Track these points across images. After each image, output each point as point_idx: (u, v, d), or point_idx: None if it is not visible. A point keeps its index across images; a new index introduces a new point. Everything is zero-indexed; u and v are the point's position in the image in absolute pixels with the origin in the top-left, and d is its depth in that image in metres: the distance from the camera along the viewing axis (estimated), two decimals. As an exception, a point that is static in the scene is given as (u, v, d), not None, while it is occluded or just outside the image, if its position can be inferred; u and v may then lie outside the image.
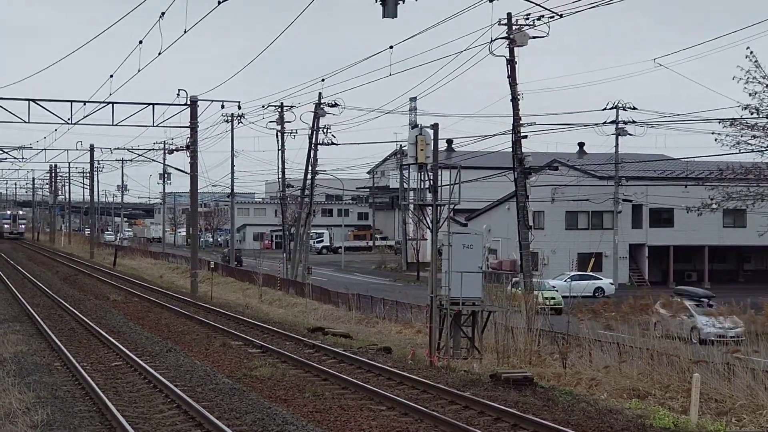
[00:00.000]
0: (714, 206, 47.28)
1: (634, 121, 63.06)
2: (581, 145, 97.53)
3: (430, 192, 26.75)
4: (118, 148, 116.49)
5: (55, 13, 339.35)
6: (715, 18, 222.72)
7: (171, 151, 72.11)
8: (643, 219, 73.29)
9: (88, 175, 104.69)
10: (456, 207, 28.42)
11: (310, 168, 64.35)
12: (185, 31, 26.99)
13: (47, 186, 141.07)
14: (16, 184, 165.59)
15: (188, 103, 51.66)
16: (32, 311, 36.09)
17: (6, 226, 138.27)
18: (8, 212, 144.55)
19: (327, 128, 63.13)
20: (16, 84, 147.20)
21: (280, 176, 70.87)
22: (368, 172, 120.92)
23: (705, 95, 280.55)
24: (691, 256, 75.20)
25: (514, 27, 41.81)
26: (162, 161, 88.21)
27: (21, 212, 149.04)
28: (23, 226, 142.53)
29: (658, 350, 24.02)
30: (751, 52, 38.01)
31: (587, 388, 21.99)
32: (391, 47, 31.80)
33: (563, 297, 46.59)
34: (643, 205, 72.31)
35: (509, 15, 41.96)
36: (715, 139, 43.76)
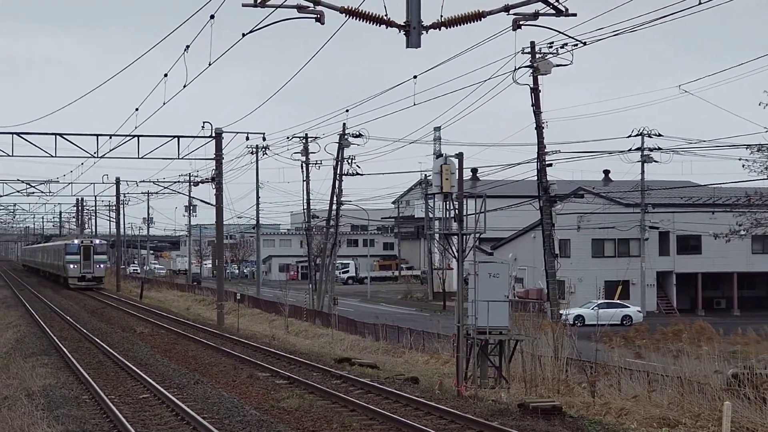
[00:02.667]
0: (742, 232, 47.12)
1: (659, 148, 62.91)
2: (606, 172, 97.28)
3: (455, 221, 26.69)
4: (143, 181, 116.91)
5: (80, 47, 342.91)
6: (740, 44, 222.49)
7: (196, 184, 72.56)
8: (671, 246, 72.85)
9: (114, 208, 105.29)
10: (482, 236, 28.35)
11: (335, 198, 64.44)
12: (210, 64, 27.16)
13: (74, 219, 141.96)
14: (43, 218, 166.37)
15: (213, 135, 51.98)
16: (60, 344, 36.21)
17: (72, 266, 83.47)
18: (75, 241, 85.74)
19: (351, 159, 63.26)
20: (43, 119, 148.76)
21: (305, 207, 70.99)
22: (393, 202, 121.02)
23: (731, 121, 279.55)
24: (720, 283, 74.61)
25: (537, 55, 41.89)
26: (187, 193, 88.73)
27: (98, 241, 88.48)
28: (103, 266, 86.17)
29: (689, 378, 23.78)
30: (776, 78, 37.83)
31: (617, 418, 21.77)
32: (414, 77, 31.74)
33: (590, 326, 46.19)
34: (670, 232, 71.92)
35: (533, 44, 42.07)
36: (743, 165, 43.72)
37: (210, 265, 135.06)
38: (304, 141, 67.17)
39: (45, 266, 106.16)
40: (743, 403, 21.22)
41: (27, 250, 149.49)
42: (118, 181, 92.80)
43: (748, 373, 22.33)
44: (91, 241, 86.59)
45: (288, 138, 67.12)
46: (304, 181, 69.00)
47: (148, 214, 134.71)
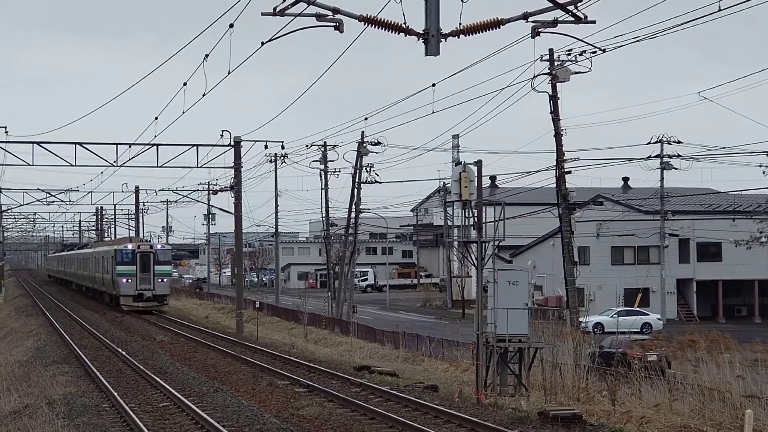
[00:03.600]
0: (763, 239, 46.91)
1: (679, 155, 62.73)
2: (626, 179, 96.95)
3: (474, 229, 26.65)
4: (162, 190, 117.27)
5: (101, 57, 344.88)
6: (762, 51, 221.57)
7: (215, 192, 72.67)
8: (691, 253, 72.57)
9: (133, 216, 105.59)
10: (501, 244, 28.31)
11: (353, 206, 64.50)
12: (229, 72, 27.23)
13: (93, 228, 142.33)
14: (63, 227, 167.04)
15: (232, 143, 52.08)
16: (80, 353, 36.34)
17: (125, 281, 62.14)
18: (130, 246, 64.02)
19: (370, 166, 63.30)
20: (63, 128, 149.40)
21: (323, 215, 71.10)
22: (412, 210, 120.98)
23: (752, 128, 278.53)
24: (741, 290, 74.25)
25: (556, 63, 41.84)
26: (206, 202, 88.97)
27: (161, 246, 67.95)
28: (167, 280, 64.32)
29: (710, 386, 23.68)
30: (798, 84, 37.67)
31: (638, 426, 21.68)
32: (433, 85, 31.78)
33: (610, 333, 46.03)
34: (690, 239, 71.64)
35: (551, 51, 42.03)
36: (764, 172, 43.50)
37: (229, 273, 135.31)
38: (322, 149, 67.26)
39: (81, 279, 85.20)
40: (765, 411, 21.12)
41: (54, 258, 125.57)
42: (137, 190, 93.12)
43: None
44: (151, 246, 65.13)
45: (307, 146, 67.19)
46: (322, 189, 69.10)
47: (167, 222, 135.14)
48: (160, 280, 62.59)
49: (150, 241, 73.30)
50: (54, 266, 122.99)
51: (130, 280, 61.95)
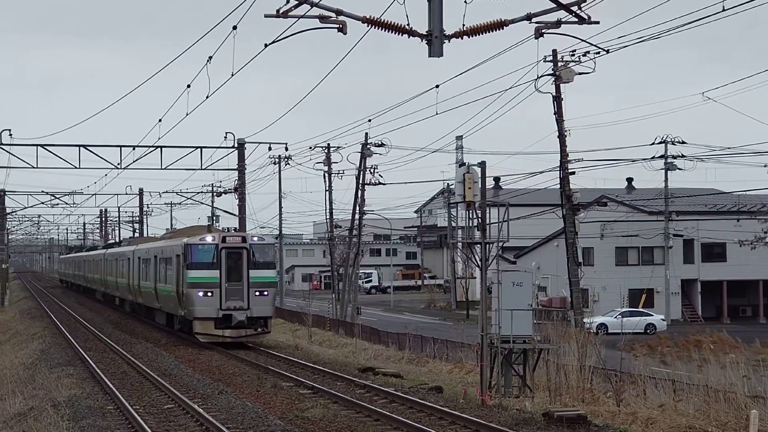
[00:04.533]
0: None
1: (683, 156, 62.62)
2: (630, 180, 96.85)
3: (478, 230, 26.64)
4: (166, 192, 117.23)
5: (103, 59, 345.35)
6: (766, 52, 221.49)
7: (219, 194, 72.62)
8: (695, 254, 72.49)
9: (137, 218, 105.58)
10: (505, 245, 28.30)
11: (357, 208, 64.51)
12: (232, 74, 27.20)
13: (97, 230, 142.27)
14: (67, 229, 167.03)
15: (236, 145, 52.04)
16: (85, 355, 36.36)
17: (201, 294, 39.23)
18: (208, 238, 40.17)
19: (374, 168, 63.30)
20: (67, 130, 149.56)
21: (327, 217, 71.14)
22: (416, 211, 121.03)
23: (756, 128, 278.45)
24: (746, 290, 74.17)
25: (559, 63, 41.82)
26: (210, 204, 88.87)
27: (256, 238, 41.81)
28: (269, 294, 40.22)
29: (715, 387, 23.65)
30: (801, 84, 37.62)
31: (643, 427, 21.64)
32: (437, 86, 31.82)
33: (614, 334, 45.97)
34: (695, 239, 71.56)
35: (554, 52, 42.00)
36: None
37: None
38: (326, 151, 67.33)
39: (114, 288, 63.23)
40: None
41: (71, 260, 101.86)
42: (141, 192, 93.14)
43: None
44: (243, 239, 40.95)
45: (310, 148, 67.30)
46: (326, 190, 69.21)
47: (171, 224, 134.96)
48: (258, 293, 40.01)
49: (239, 230, 47.58)
50: (70, 270, 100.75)
51: (210, 293, 39.73)
